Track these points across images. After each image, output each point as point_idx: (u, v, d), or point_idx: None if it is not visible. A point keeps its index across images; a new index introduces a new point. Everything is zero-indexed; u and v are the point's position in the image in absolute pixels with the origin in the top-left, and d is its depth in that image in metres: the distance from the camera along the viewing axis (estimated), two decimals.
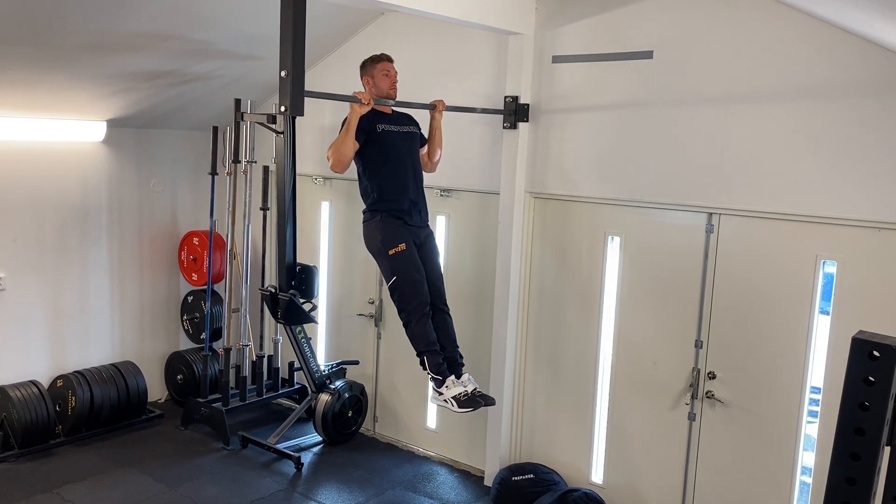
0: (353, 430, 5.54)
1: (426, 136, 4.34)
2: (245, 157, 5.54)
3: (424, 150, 4.34)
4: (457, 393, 3.91)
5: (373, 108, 3.94)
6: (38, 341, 5.39)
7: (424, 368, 3.99)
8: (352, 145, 3.89)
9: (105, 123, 5.44)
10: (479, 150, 4.85)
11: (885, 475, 1.61)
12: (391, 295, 4.04)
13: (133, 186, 5.84)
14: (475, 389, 3.97)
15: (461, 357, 4.12)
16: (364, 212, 4.15)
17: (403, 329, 4.03)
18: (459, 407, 3.90)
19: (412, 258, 3.99)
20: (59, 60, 4.43)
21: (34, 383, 5.16)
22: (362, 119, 3.90)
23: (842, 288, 3.61)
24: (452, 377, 3.96)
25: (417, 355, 4.00)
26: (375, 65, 4.12)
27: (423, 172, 4.32)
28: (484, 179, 4.83)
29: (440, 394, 3.95)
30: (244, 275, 5.65)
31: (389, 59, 4.16)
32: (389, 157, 4.06)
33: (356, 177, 4.16)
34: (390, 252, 3.96)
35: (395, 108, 4.23)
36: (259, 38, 4.78)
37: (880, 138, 3.42)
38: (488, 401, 4.00)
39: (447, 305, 4.17)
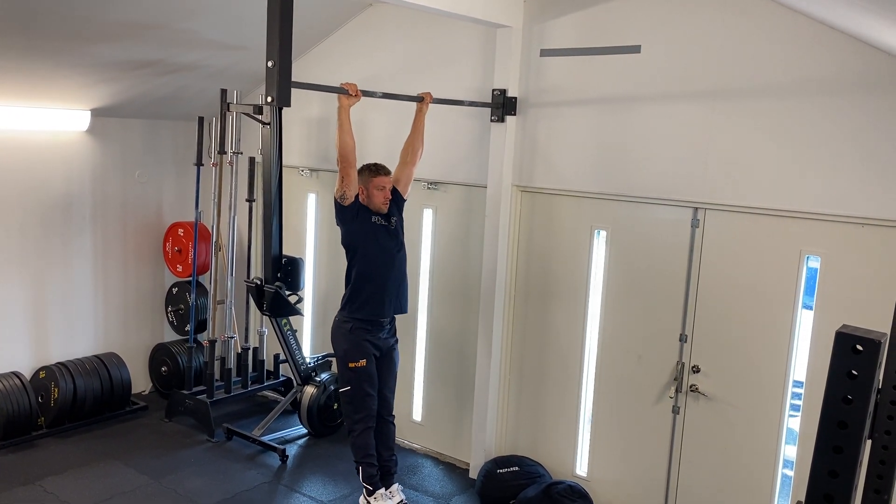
0: (339, 423, 5.53)
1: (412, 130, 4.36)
2: (231, 148, 5.51)
3: (406, 144, 4.37)
4: None
5: (366, 205, 4.10)
6: (20, 332, 5.34)
7: (358, 475, 4.28)
8: (350, 136, 3.93)
9: (89, 113, 5.39)
10: (466, 144, 4.84)
11: (866, 468, 1.63)
12: (341, 399, 4.33)
13: (117, 177, 5.79)
14: (401, 501, 4.33)
15: (395, 465, 4.46)
16: (341, 306, 4.26)
17: (347, 434, 4.30)
18: None
19: (369, 374, 4.21)
20: (43, 48, 4.38)
21: (16, 374, 5.11)
22: (360, 206, 4.06)
23: (825, 283, 3.65)
24: (382, 490, 4.29)
25: (354, 462, 4.27)
26: (373, 178, 4.14)
27: (411, 181, 4.38)
28: (471, 173, 4.83)
29: (368, 502, 4.28)
30: (229, 266, 5.63)
31: (387, 173, 4.20)
32: (377, 252, 4.15)
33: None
34: (350, 364, 4.18)
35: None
36: (246, 28, 4.75)
37: (865, 135, 3.44)
38: None
39: (393, 415, 4.43)
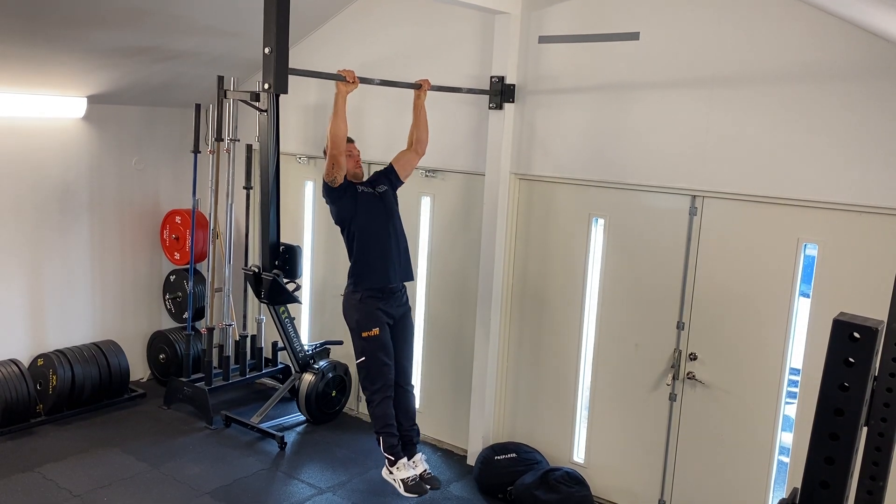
0: (337, 410, 5.55)
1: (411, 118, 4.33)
2: (228, 136, 5.49)
3: (410, 134, 4.36)
4: (405, 476, 4.14)
5: (347, 179, 4.10)
6: (17, 320, 5.34)
7: (379, 445, 4.20)
8: (344, 124, 3.92)
9: (86, 99, 5.36)
10: (464, 131, 4.83)
11: (862, 455, 1.63)
12: (358, 371, 4.26)
13: (114, 164, 5.77)
14: (424, 471, 4.24)
15: (417, 435, 4.37)
16: (348, 280, 4.23)
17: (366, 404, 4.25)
18: (406, 491, 4.14)
19: (384, 343, 4.16)
20: (39, 34, 4.35)
21: (14, 362, 5.11)
22: (347, 184, 4.06)
23: (822, 271, 3.65)
24: (404, 459, 4.20)
25: (375, 433, 4.21)
26: None
27: (412, 168, 4.40)
28: (469, 160, 4.82)
29: (390, 472, 4.19)
30: (227, 254, 5.62)
31: (350, 140, 4.20)
32: (370, 219, 4.16)
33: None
34: (363, 334, 4.14)
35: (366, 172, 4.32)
36: (243, 15, 4.72)
37: (863, 122, 3.44)
38: (434, 485, 4.26)
39: (412, 384, 4.38)
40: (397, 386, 4.25)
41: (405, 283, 4.31)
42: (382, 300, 4.17)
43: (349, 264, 4.25)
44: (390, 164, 4.38)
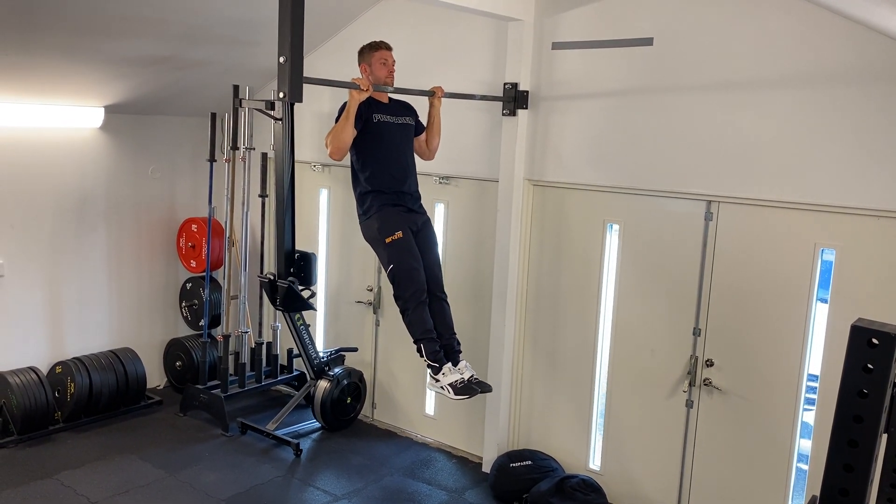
0: (352, 417, 5.56)
1: (424, 123, 4.34)
2: (243, 144, 5.53)
3: (422, 137, 4.33)
4: (453, 380, 3.91)
5: (370, 96, 3.94)
6: (36, 328, 5.39)
7: (421, 356, 4.00)
8: (351, 132, 3.89)
9: (103, 109, 5.42)
10: (478, 138, 4.83)
11: (882, 462, 1.61)
12: (389, 281, 4.06)
13: (131, 173, 5.83)
14: (472, 377, 3.98)
15: (458, 344, 4.13)
16: (358, 201, 4.14)
17: (401, 316, 4.04)
18: (455, 394, 3.91)
19: (409, 246, 4.00)
20: (55, 44, 4.40)
21: (33, 369, 5.16)
22: (359, 106, 3.90)
23: (840, 276, 3.62)
24: (449, 364, 3.97)
25: (414, 342, 4.01)
26: (373, 53, 4.10)
27: (422, 160, 4.34)
28: (483, 167, 4.82)
29: (437, 381, 3.96)
30: (243, 262, 5.65)
31: (388, 48, 4.13)
32: (382, 148, 4.06)
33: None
34: (387, 240, 3.98)
35: (392, 97, 4.21)
36: (257, 24, 4.75)
37: (880, 126, 3.41)
38: (484, 388, 4.01)
39: (445, 293, 4.18)
40: (431, 294, 4.05)
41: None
42: (398, 206, 4.06)
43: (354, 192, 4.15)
44: (418, 122, 4.33)
